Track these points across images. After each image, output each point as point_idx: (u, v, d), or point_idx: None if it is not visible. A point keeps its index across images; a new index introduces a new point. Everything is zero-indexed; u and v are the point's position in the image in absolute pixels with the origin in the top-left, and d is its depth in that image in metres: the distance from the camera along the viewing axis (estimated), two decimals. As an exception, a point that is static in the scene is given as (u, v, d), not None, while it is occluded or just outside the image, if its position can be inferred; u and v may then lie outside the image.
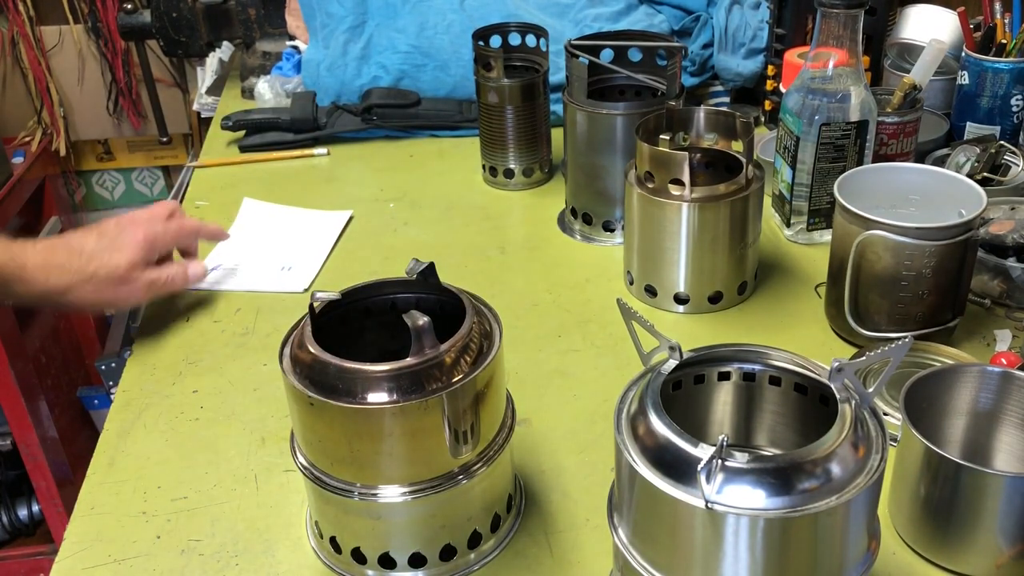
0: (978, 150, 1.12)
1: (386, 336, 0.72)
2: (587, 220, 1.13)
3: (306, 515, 0.75)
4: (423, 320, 0.62)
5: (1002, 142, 1.13)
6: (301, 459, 0.68)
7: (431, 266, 0.69)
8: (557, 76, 1.34)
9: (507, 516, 0.73)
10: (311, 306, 0.67)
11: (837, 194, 0.88)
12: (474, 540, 0.70)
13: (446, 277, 0.70)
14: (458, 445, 0.65)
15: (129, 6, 1.60)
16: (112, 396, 0.92)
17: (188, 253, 1.04)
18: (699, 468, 0.50)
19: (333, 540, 0.70)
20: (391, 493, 0.65)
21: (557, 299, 1.02)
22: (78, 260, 0.92)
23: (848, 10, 0.95)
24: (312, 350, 0.63)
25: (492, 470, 0.68)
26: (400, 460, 0.64)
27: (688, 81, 1.42)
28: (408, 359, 0.62)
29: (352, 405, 0.62)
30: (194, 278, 1.02)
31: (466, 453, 0.66)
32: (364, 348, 0.71)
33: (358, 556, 0.69)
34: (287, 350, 0.66)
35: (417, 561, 0.69)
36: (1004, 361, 0.82)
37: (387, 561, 0.69)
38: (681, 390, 0.63)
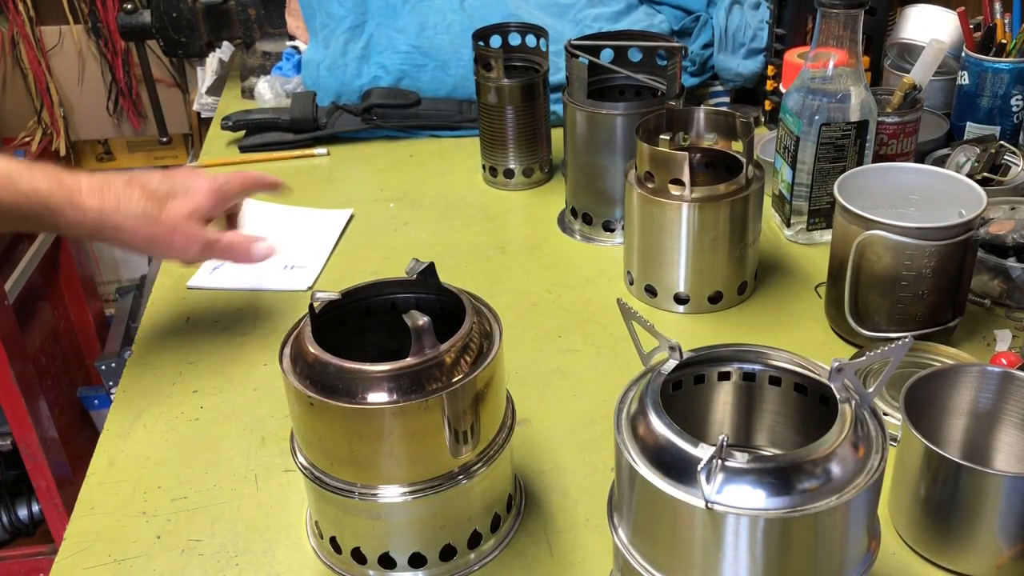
0: (978, 150, 1.12)
1: (386, 336, 0.72)
2: (587, 220, 1.13)
3: (306, 515, 0.75)
4: (423, 320, 0.62)
5: (1002, 142, 1.13)
6: (301, 459, 0.68)
7: (431, 266, 0.69)
8: (557, 76, 1.34)
9: (507, 516, 0.73)
10: (311, 306, 0.67)
11: (837, 194, 0.88)
12: (474, 540, 0.70)
13: (446, 277, 0.70)
14: (458, 445, 0.65)
15: (129, 6, 1.60)
16: (112, 396, 0.92)
17: (233, 215, 0.97)
18: (699, 468, 0.50)
19: (333, 540, 0.70)
20: (391, 493, 0.65)
21: (557, 299, 1.02)
22: (138, 192, 0.85)
23: (848, 10, 0.95)
24: (312, 350, 0.63)
25: (492, 470, 0.68)
26: (400, 460, 0.64)
27: (688, 81, 1.42)
28: (408, 359, 0.62)
29: (352, 405, 0.61)
30: (258, 255, 0.91)
31: (466, 453, 0.66)
32: (364, 348, 0.71)
33: (358, 556, 0.69)
34: (287, 350, 0.66)
35: (417, 561, 0.69)
36: (1004, 361, 0.82)
37: (387, 561, 0.69)
38: (681, 390, 0.63)
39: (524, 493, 0.77)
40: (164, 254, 0.89)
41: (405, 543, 0.68)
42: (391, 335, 0.71)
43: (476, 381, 0.64)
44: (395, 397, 0.62)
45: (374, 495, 0.65)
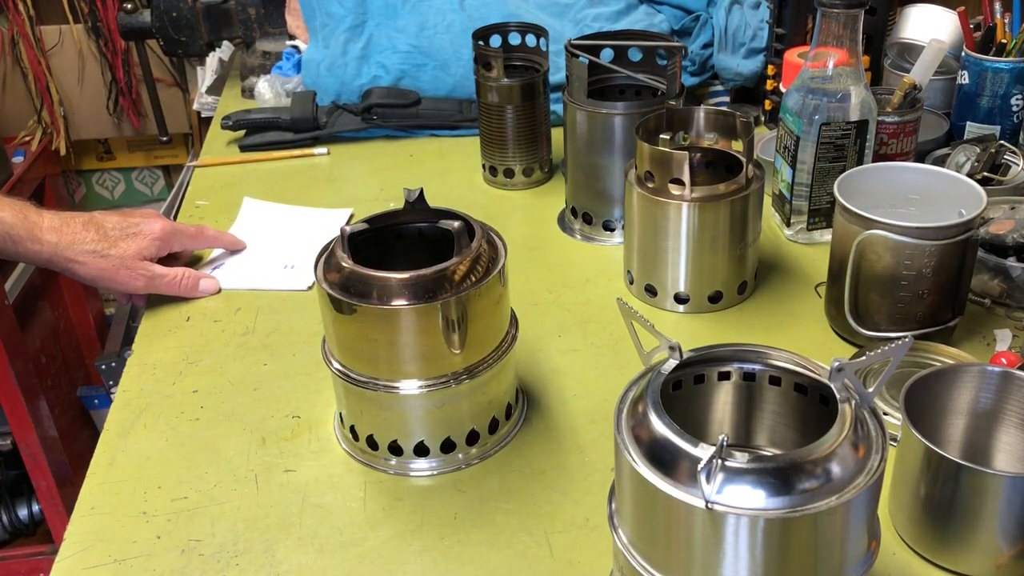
0: (978, 150, 1.12)
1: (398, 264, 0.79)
2: (587, 220, 1.13)
3: (333, 416, 0.84)
4: (457, 224, 0.74)
5: (1002, 142, 1.13)
6: (334, 362, 0.77)
7: (421, 192, 0.80)
8: (557, 76, 1.34)
9: (505, 422, 0.82)
10: (343, 230, 0.76)
11: (837, 194, 0.88)
12: (472, 438, 0.79)
13: (446, 277, 0.71)
14: (460, 344, 0.74)
15: (129, 6, 1.60)
16: (112, 396, 0.92)
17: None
18: (699, 468, 0.50)
19: (352, 429, 0.80)
20: (405, 387, 0.75)
21: (557, 299, 1.02)
22: (93, 233, 0.97)
23: (848, 10, 0.95)
24: (347, 264, 0.74)
25: (493, 375, 0.77)
26: (412, 357, 0.74)
27: (688, 81, 1.42)
28: (423, 270, 0.71)
29: (377, 306, 0.71)
30: (204, 291, 1.04)
31: (459, 353, 0.75)
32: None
33: (372, 443, 0.79)
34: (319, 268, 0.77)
35: (421, 450, 0.79)
36: (1004, 361, 0.82)
37: (396, 449, 0.79)
38: (681, 390, 0.63)
39: (525, 404, 0.85)
40: (113, 287, 1.00)
41: (412, 433, 0.78)
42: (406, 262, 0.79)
43: (484, 290, 0.73)
44: (411, 301, 0.71)
45: (389, 387, 0.75)
